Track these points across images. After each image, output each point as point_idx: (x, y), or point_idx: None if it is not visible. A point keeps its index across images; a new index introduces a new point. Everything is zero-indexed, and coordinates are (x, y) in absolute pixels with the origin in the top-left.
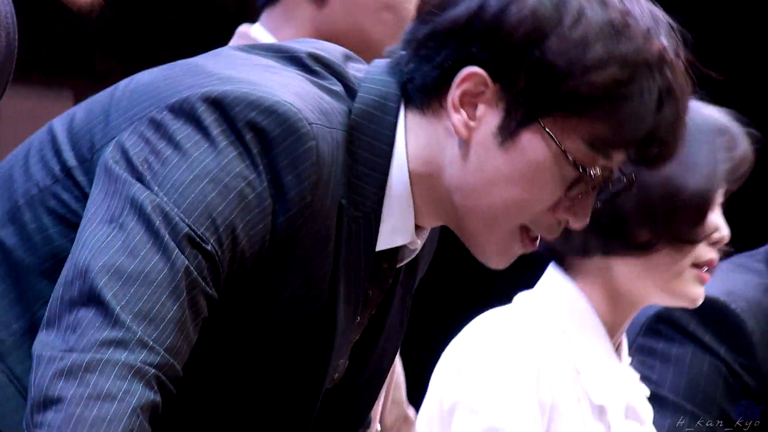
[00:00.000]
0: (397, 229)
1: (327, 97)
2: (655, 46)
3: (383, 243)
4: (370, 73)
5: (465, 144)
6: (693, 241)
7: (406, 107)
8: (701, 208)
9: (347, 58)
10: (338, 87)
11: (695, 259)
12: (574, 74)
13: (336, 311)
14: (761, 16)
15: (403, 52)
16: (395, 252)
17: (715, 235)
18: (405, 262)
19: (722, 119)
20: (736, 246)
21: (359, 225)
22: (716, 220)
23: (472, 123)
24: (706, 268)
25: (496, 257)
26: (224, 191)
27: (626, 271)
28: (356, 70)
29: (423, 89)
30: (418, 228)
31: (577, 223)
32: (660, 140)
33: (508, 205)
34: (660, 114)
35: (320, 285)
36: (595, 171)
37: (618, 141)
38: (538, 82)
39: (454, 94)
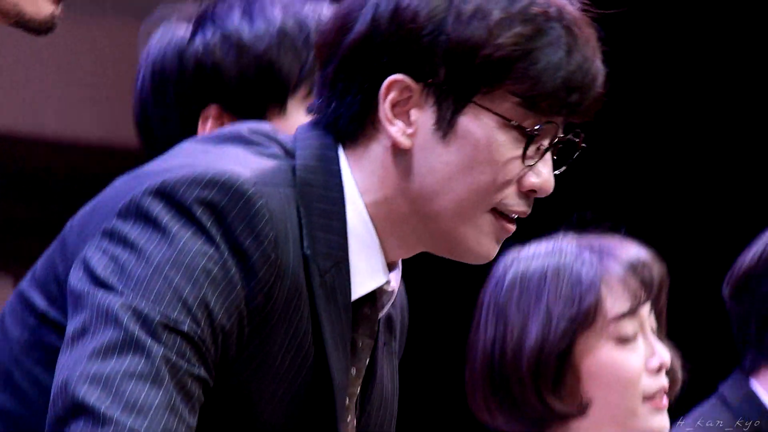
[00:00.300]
0: (369, 270)
1: (267, 161)
2: None
3: (359, 289)
4: (299, 133)
5: (410, 153)
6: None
7: (344, 147)
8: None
9: (275, 130)
10: (277, 149)
11: (643, 393)
12: (483, 44)
13: (329, 366)
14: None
15: (321, 99)
16: (374, 296)
17: (653, 363)
18: (386, 308)
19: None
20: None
21: (332, 275)
22: (651, 347)
23: (410, 130)
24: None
25: (480, 249)
26: (188, 272)
27: (580, 426)
28: (286, 137)
29: (353, 120)
30: (390, 266)
31: (544, 189)
32: (578, 86)
33: (472, 192)
34: (571, 59)
35: (304, 343)
36: (541, 129)
37: (543, 93)
38: (455, 64)
39: (383, 109)
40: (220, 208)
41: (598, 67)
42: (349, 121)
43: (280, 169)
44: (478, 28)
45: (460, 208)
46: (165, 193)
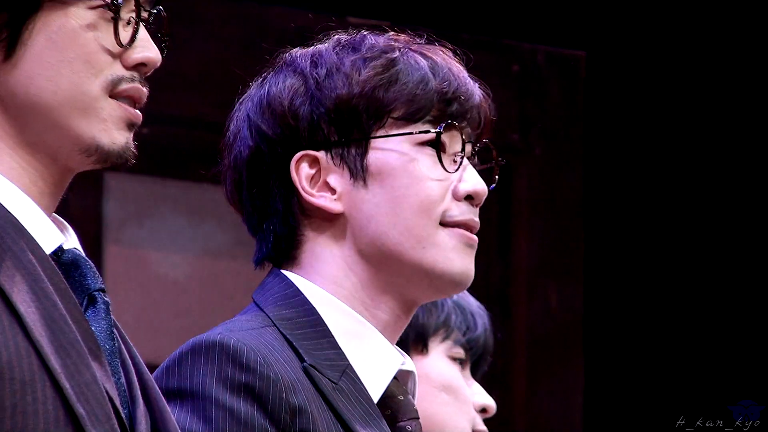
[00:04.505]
0: (379, 363)
1: (237, 318)
2: (395, 37)
3: (378, 386)
4: (261, 287)
5: (345, 216)
6: None
7: (292, 266)
8: None
9: None
10: (248, 311)
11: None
12: (350, 89)
13: None
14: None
15: (257, 245)
16: (398, 382)
17: None
18: (414, 392)
19: None
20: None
21: (345, 382)
22: None
23: (335, 195)
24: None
25: (453, 266)
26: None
27: None
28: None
29: (285, 219)
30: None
31: (477, 193)
32: (454, 97)
33: (414, 214)
34: (436, 75)
35: None
36: (450, 136)
37: (423, 107)
38: (339, 120)
39: (302, 187)
40: (218, 365)
41: (471, 82)
42: (284, 225)
43: (255, 317)
44: (338, 81)
45: (412, 234)
46: (173, 392)
